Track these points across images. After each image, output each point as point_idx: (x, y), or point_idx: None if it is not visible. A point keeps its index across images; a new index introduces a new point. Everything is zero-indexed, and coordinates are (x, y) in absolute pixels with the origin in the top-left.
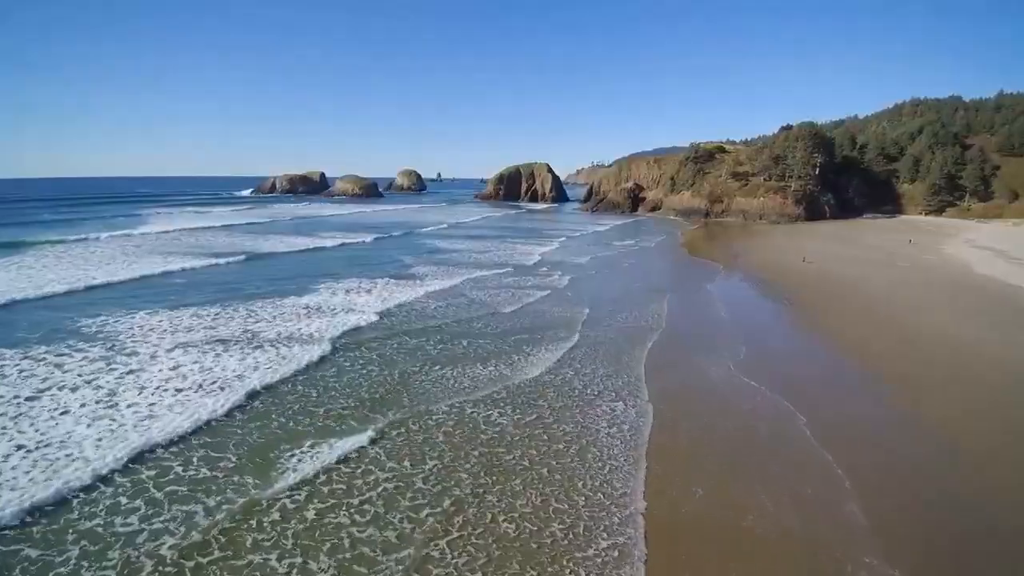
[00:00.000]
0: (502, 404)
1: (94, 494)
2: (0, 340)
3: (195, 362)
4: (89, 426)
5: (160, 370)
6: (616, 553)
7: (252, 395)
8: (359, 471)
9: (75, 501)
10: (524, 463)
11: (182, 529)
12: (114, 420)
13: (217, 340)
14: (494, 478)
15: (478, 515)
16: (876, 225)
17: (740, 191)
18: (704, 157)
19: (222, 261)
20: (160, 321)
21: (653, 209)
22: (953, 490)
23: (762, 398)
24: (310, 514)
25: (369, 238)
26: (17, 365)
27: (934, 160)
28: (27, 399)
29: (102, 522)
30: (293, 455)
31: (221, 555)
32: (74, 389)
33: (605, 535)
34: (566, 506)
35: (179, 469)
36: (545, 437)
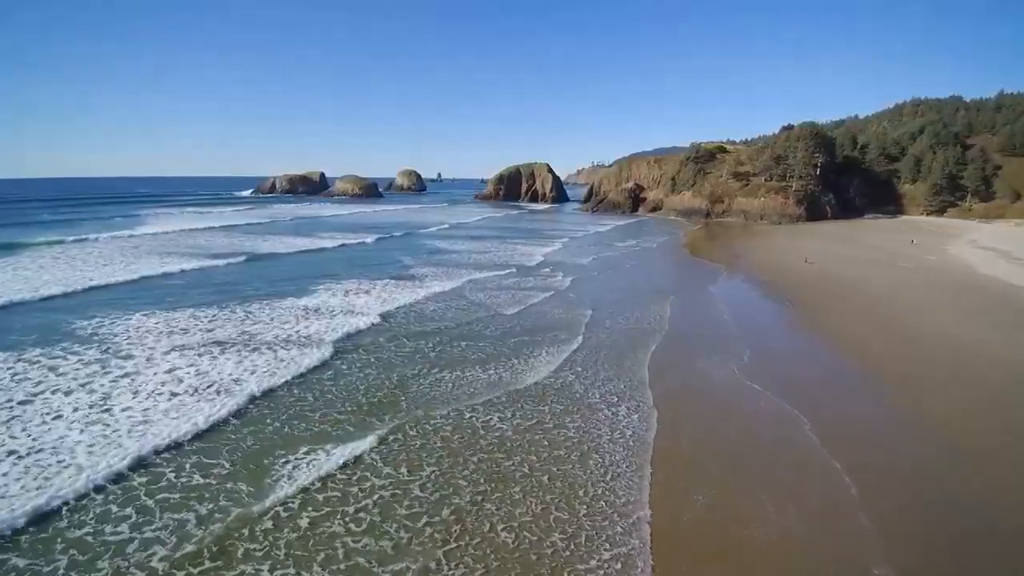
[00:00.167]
0: (502, 408)
1: (84, 501)
2: None
3: (191, 365)
4: (82, 432)
5: (155, 373)
6: (619, 565)
7: (248, 399)
8: (355, 478)
9: (65, 509)
10: (524, 470)
11: (173, 539)
12: (107, 425)
13: (214, 343)
14: (493, 485)
15: (476, 524)
16: (877, 225)
17: (741, 191)
18: (705, 157)
19: (221, 262)
20: (157, 323)
21: (654, 209)
22: (953, 490)
23: (766, 401)
24: (304, 523)
25: (369, 239)
26: (11, 368)
27: (935, 160)
28: (20, 403)
29: (92, 531)
30: (288, 462)
31: (212, 565)
32: (68, 393)
33: (608, 545)
34: (567, 515)
35: (171, 476)
36: (546, 443)
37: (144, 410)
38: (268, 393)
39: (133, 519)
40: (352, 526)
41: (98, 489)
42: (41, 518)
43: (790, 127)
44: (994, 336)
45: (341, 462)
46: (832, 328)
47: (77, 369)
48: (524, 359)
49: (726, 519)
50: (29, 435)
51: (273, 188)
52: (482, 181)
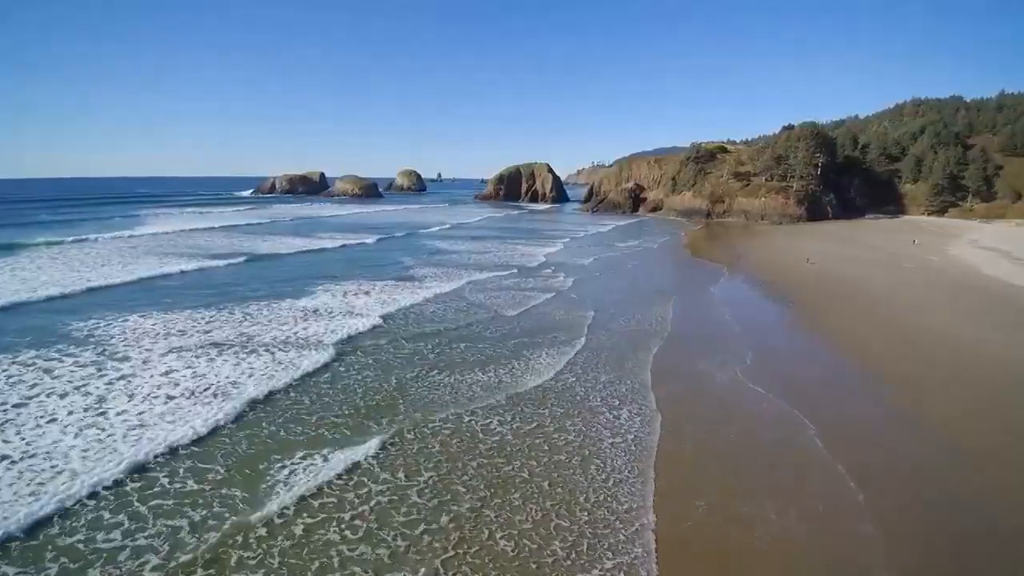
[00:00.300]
0: (502, 412)
1: (76, 507)
2: None
3: (188, 368)
4: (76, 436)
5: (152, 376)
6: (622, 574)
7: (245, 403)
8: (351, 484)
9: (56, 515)
10: (524, 475)
11: (166, 547)
12: (102, 429)
13: (212, 345)
14: (492, 491)
15: (475, 532)
16: (878, 225)
17: (742, 191)
18: (705, 157)
19: (220, 263)
20: (154, 325)
21: (654, 209)
22: (954, 490)
23: (768, 403)
24: (299, 530)
25: (370, 239)
26: (5, 371)
27: (936, 160)
28: (14, 406)
29: (83, 538)
30: (284, 467)
31: (205, 574)
32: (63, 396)
33: (610, 554)
34: (568, 522)
35: (165, 481)
36: (546, 447)
37: (139, 414)
38: (265, 396)
39: (126, 526)
40: (348, 533)
41: (90, 495)
42: (33, 525)
43: (791, 127)
44: (994, 336)
45: (338, 467)
46: (833, 328)
47: (72, 371)
48: (525, 361)
49: (730, 525)
50: (23, 439)
51: (273, 188)
52: (482, 181)
